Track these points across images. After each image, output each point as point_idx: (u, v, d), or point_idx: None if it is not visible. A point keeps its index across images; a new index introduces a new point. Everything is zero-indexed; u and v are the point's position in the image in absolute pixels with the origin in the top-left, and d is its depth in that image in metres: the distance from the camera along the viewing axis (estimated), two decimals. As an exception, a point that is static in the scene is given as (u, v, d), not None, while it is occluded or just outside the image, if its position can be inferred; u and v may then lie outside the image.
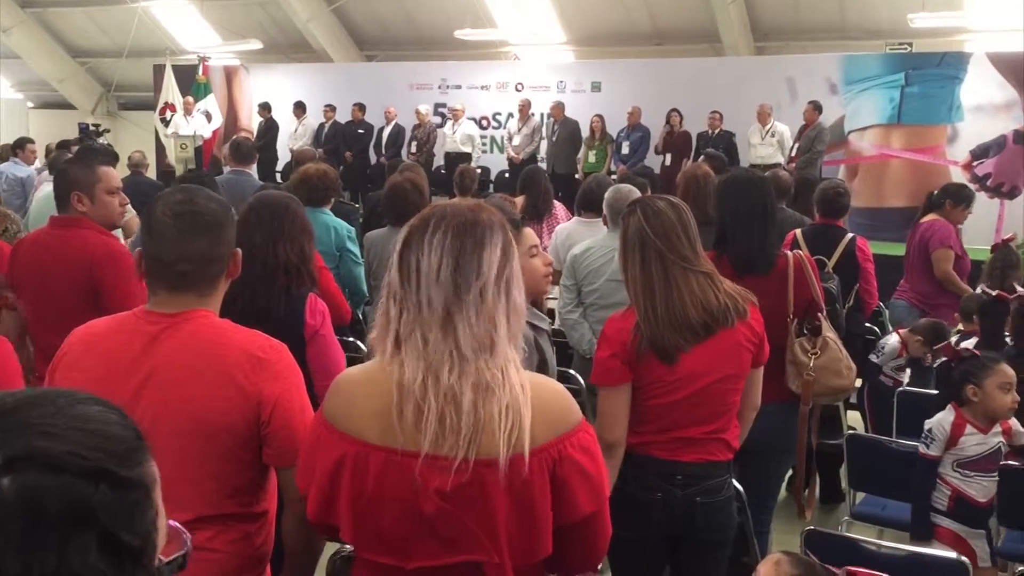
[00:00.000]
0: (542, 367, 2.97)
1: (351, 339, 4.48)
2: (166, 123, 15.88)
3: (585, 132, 13.46)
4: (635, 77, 14.18)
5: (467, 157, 13.18)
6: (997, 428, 3.57)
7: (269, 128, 15.08)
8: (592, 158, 13.27)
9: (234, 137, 9.88)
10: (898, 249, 7.33)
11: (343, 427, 1.72)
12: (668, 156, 12.85)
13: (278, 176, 13.68)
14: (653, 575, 2.95)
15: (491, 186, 13.77)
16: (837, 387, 3.58)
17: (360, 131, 14.51)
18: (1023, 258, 5.85)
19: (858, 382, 4.24)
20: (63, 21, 19.12)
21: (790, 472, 4.07)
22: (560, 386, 1.77)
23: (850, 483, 4.31)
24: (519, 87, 15.08)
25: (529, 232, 3.02)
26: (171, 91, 16.15)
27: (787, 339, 3.49)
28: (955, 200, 6.03)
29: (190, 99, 15.65)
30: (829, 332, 3.54)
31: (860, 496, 4.32)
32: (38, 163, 10.65)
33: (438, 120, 14.75)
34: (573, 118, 13.49)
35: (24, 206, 8.27)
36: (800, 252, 3.67)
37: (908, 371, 5.11)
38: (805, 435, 3.60)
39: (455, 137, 13.98)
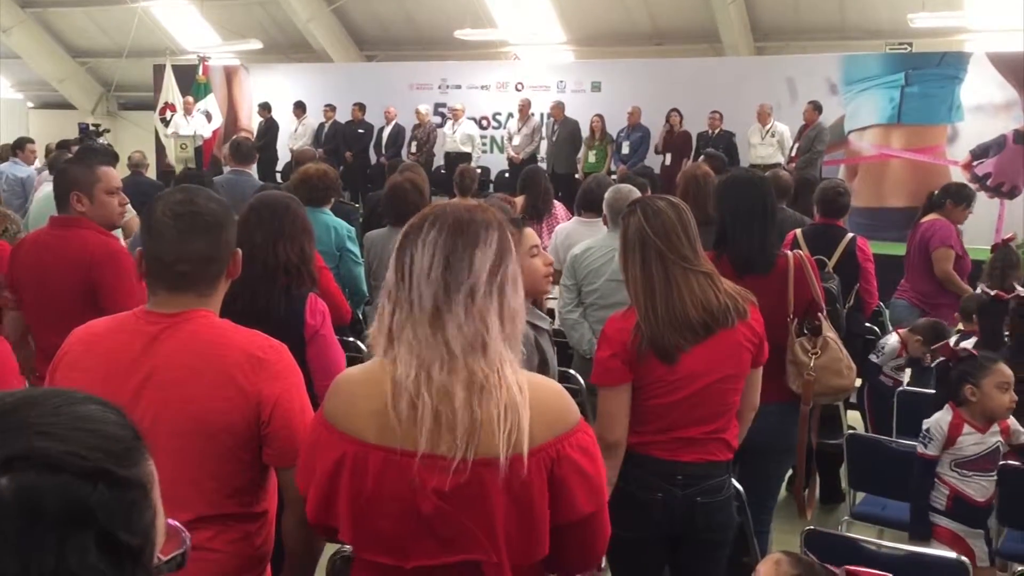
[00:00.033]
0: (543, 367, 2.97)
1: (351, 339, 4.48)
2: (166, 123, 15.89)
3: (585, 132, 13.46)
4: (635, 77, 14.18)
5: (467, 157, 13.18)
6: (995, 428, 3.57)
7: (269, 128, 15.08)
8: (592, 158, 13.27)
9: (234, 137, 9.88)
10: (898, 249, 7.33)
11: (342, 427, 1.72)
12: (668, 156, 12.85)
13: (278, 176, 13.68)
14: (653, 575, 2.95)
15: (491, 186, 13.77)
16: (838, 387, 3.58)
17: (360, 131, 14.51)
18: (1023, 258, 5.85)
19: (858, 382, 4.24)
20: (63, 21, 19.12)
21: (790, 472, 4.07)
22: (559, 386, 1.77)
23: (850, 483, 4.31)
24: (519, 87, 15.08)
25: (530, 232, 3.02)
26: (171, 91, 16.15)
27: (787, 339, 3.49)
28: (956, 200, 6.03)
29: (190, 99, 15.65)
30: (829, 332, 3.54)
31: (860, 496, 4.32)
32: (38, 163, 10.65)
33: (438, 120, 14.75)
34: (573, 118, 13.49)
35: (24, 206, 8.27)
36: (800, 252, 3.67)
37: (908, 371, 5.11)
38: (806, 435, 3.61)
39: (455, 137, 13.99)
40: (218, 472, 2.02)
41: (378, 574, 1.75)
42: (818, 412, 3.68)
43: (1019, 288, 4.61)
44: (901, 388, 4.78)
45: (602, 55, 15.71)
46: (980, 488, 3.56)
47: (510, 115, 14.57)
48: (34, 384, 3.73)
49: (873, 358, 5.05)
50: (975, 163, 12.51)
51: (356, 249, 5.12)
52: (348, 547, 2.07)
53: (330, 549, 2.24)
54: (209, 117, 15.78)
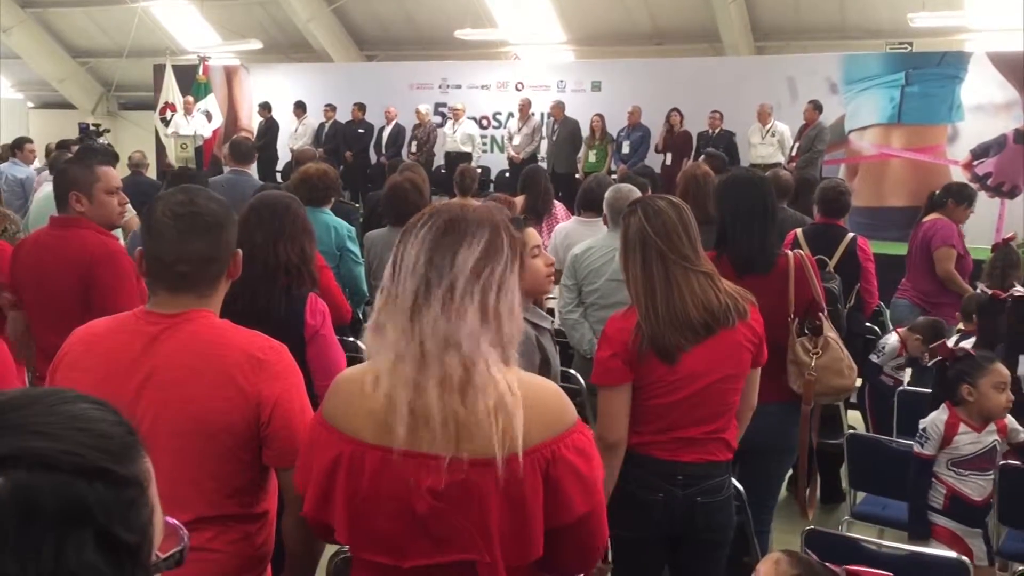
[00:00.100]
0: (544, 366, 2.97)
1: (351, 339, 4.48)
2: (166, 123, 15.89)
3: (585, 132, 13.46)
4: (635, 77, 14.18)
5: (467, 157, 13.18)
6: (992, 427, 3.58)
7: (269, 128, 15.08)
8: (592, 158, 13.27)
9: (233, 137, 9.88)
10: (898, 248, 7.34)
11: (340, 426, 1.72)
12: (668, 156, 12.84)
13: (278, 176, 13.68)
14: (653, 575, 2.95)
15: (491, 186, 13.77)
16: (839, 387, 3.58)
17: (360, 131, 14.51)
18: (1023, 257, 5.85)
19: (858, 382, 4.24)
20: (63, 21, 19.12)
21: (790, 472, 4.07)
22: (554, 386, 1.76)
23: (850, 483, 4.31)
24: (519, 87, 15.08)
25: (532, 232, 3.02)
26: (171, 91, 16.15)
27: (788, 339, 3.49)
28: (957, 199, 6.03)
29: (190, 99, 15.65)
30: (830, 332, 3.54)
31: (860, 496, 4.32)
32: (37, 163, 10.65)
33: (438, 120, 14.75)
34: (573, 117, 13.49)
35: (24, 206, 8.26)
36: (801, 252, 3.67)
37: (908, 370, 5.11)
38: (807, 435, 3.60)
39: (455, 137, 13.99)
40: (218, 472, 2.02)
41: (376, 574, 1.75)
42: (819, 412, 3.68)
43: (1018, 288, 4.60)
44: (901, 388, 4.78)
45: (602, 55, 15.71)
46: (977, 487, 3.56)
47: (510, 115, 14.57)
48: (36, 384, 3.74)
49: (874, 358, 5.05)
50: (975, 163, 12.51)
51: (356, 249, 5.12)
52: (348, 548, 2.07)
53: (330, 550, 2.23)
54: (209, 117, 15.78)
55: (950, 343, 4.29)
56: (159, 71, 16.75)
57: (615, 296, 4.13)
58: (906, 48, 13.46)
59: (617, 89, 14.18)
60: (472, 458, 1.61)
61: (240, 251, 2.16)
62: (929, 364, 4.72)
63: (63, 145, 9.96)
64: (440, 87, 15.61)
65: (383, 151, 14.21)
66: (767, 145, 12.35)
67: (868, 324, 5.42)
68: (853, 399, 5.01)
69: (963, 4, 13.11)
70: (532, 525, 1.65)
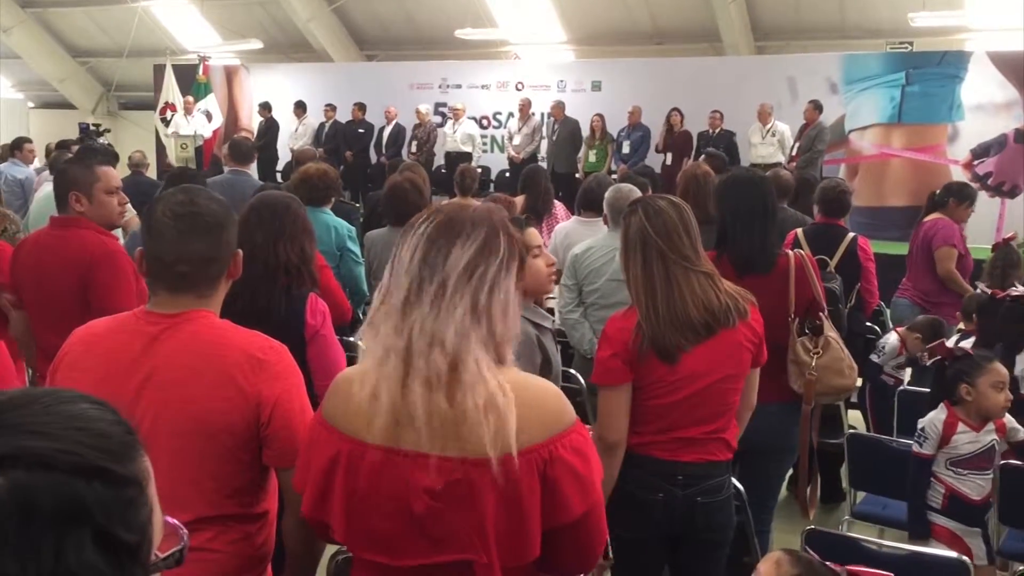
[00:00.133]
0: (546, 366, 2.97)
1: (351, 339, 4.48)
2: (166, 123, 15.89)
3: (585, 131, 13.45)
4: (635, 76, 14.18)
5: (468, 156, 13.18)
6: (990, 426, 3.57)
7: (269, 128, 15.08)
8: (592, 157, 13.27)
9: (233, 137, 9.88)
10: (899, 248, 7.34)
11: (339, 425, 1.73)
12: (669, 155, 12.84)
13: (278, 176, 13.68)
14: (653, 575, 2.94)
15: (491, 186, 13.77)
16: (839, 386, 3.58)
17: (360, 131, 14.51)
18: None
19: (859, 382, 4.23)
20: (63, 21, 19.13)
21: (790, 471, 4.07)
22: (552, 386, 1.75)
23: (851, 482, 4.31)
24: (519, 86, 15.07)
25: (533, 232, 3.02)
26: (171, 91, 16.15)
27: (788, 338, 3.49)
28: (959, 198, 6.04)
29: (190, 99, 15.66)
30: (831, 331, 3.54)
31: (861, 495, 4.32)
32: (37, 163, 10.63)
33: (438, 120, 14.75)
34: (573, 117, 13.49)
35: (24, 207, 8.26)
36: (801, 252, 3.67)
37: (909, 370, 5.11)
38: (808, 434, 3.60)
39: (455, 136, 13.99)
40: (218, 472, 2.01)
41: (374, 573, 1.75)
42: (819, 412, 3.68)
43: (1013, 288, 4.60)
44: (902, 388, 4.78)
45: (602, 54, 15.71)
46: (976, 487, 3.56)
47: (510, 115, 14.57)
48: (37, 384, 3.74)
49: (874, 358, 5.05)
50: (976, 162, 12.51)
51: (356, 249, 5.12)
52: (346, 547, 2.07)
53: (331, 550, 2.23)
54: (209, 117, 15.79)
55: (950, 343, 4.29)
56: (159, 71, 16.76)
57: (615, 296, 4.13)
58: (906, 48, 13.46)
59: (617, 89, 14.17)
60: (466, 457, 1.61)
61: (240, 251, 2.16)
62: (928, 364, 4.72)
63: (63, 145, 9.95)
64: (440, 87, 15.61)
65: (383, 151, 14.21)
66: (767, 145, 12.35)
67: (869, 324, 5.42)
68: (854, 399, 5.00)
69: (963, 4, 13.11)
70: (529, 525, 1.64)
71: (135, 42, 17.60)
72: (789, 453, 3.66)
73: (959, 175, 11.88)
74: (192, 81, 16.20)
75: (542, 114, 14.01)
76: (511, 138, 13.88)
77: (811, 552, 2.21)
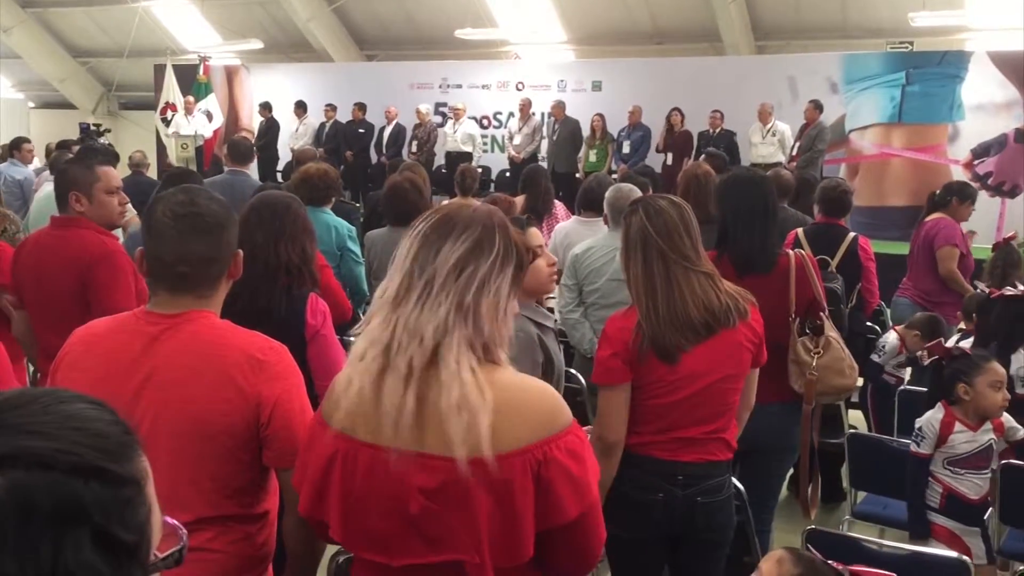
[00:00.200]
0: (547, 366, 2.97)
1: (352, 339, 4.47)
2: (167, 123, 15.89)
3: (586, 131, 13.45)
4: (636, 76, 14.17)
5: (468, 156, 13.18)
6: (987, 426, 3.57)
7: (270, 128, 15.08)
8: (593, 157, 13.26)
9: (232, 137, 9.87)
10: (899, 248, 7.34)
11: (336, 424, 1.73)
12: (669, 155, 12.84)
13: (279, 176, 13.68)
14: (653, 575, 2.94)
15: (492, 185, 13.77)
16: (840, 386, 3.58)
17: (361, 130, 14.51)
18: (1024, 256, 5.85)
19: (860, 381, 4.23)
20: (64, 21, 19.13)
21: (791, 471, 4.07)
22: (548, 387, 1.74)
23: (851, 482, 4.31)
24: (520, 86, 15.07)
25: (534, 232, 3.02)
26: (172, 91, 16.16)
27: (789, 338, 3.49)
28: (961, 197, 6.05)
29: (191, 99, 15.66)
30: (831, 331, 3.54)
31: (861, 495, 4.32)
32: (37, 163, 10.63)
33: (439, 119, 14.75)
34: (574, 117, 13.49)
35: (23, 207, 8.25)
36: (802, 251, 3.67)
37: (910, 369, 5.11)
38: (808, 434, 3.60)
39: (456, 136, 13.98)
40: (218, 473, 2.01)
41: (372, 572, 1.75)
42: (819, 411, 3.68)
43: (1013, 288, 4.60)
44: (902, 387, 4.78)
45: (603, 54, 15.71)
46: (973, 486, 3.56)
47: (511, 114, 14.57)
48: (38, 383, 3.74)
49: (875, 357, 5.05)
50: (976, 162, 12.51)
51: (357, 248, 5.12)
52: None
53: (331, 550, 2.23)
54: (210, 117, 15.79)
55: (951, 342, 4.29)
56: (160, 71, 16.76)
57: (616, 296, 4.13)
58: (907, 47, 13.45)
59: (618, 89, 14.17)
60: (451, 457, 1.60)
61: (241, 252, 2.16)
62: (926, 363, 4.72)
63: (63, 145, 9.94)
64: (440, 87, 15.61)
65: (383, 151, 14.21)
66: (768, 145, 12.34)
67: (869, 324, 5.42)
68: (854, 398, 5.00)
69: (963, 3, 13.11)
70: (522, 526, 1.64)
71: (135, 42, 17.60)
72: (790, 453, 3.66)
73: (959, 175, 11.87)
74: (192, 81, 16.21)
75: (542, 114, 14.01)
76: (511, 138, 13.88)
77: (813, 552, 2.21)
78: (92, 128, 15.35)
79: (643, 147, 13.05)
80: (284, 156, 14.34)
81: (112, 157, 7.35)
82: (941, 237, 5.88)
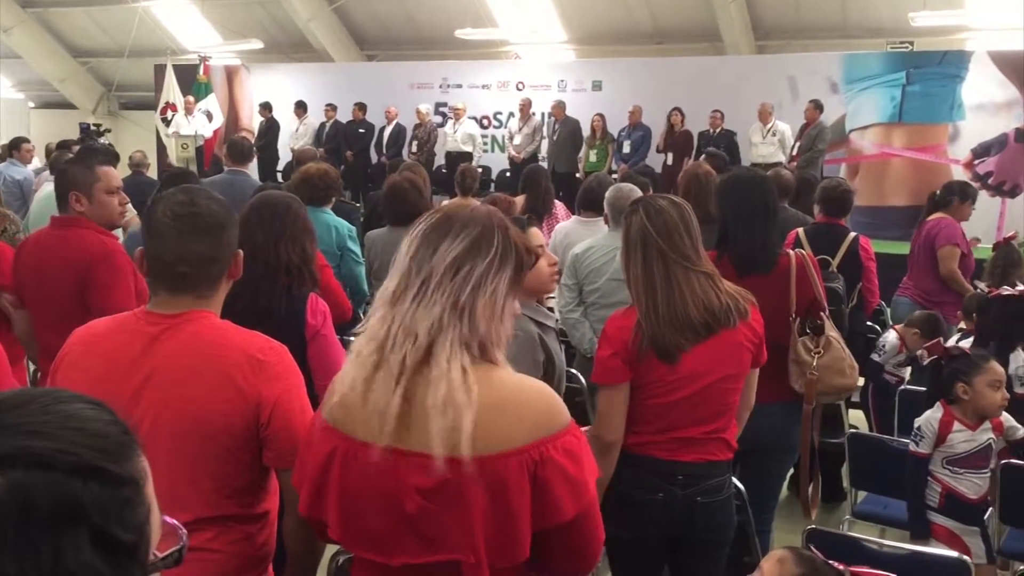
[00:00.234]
0: (548, 365, 2.97)
1: (352, 338, 4.47)
2: (167, 123, 15.90)
3: (586, 131, 13.44)
4: (636, 76, 14.17)
5: (468, 156, 13.18)
6: (986, 425, 3.57)
7: (270, 128, 15.08)
8: (593, 157, 13.26)
9: (231, 137, 9.87)
10: (899, 248, 7.33)
11: (334, 422, 1.73)
12: (670, 155, 12.84)
13: (279, 176, 13.68)
14: (653, 575, 2.94)
15: (492, 185, 13.77)
16: (840, 386, 3.58)
17: (361, 130, 14.51)
18: (1024, 256, 5.85)
19: (860, 381, 4.23)
20: (64, 21, 19.13)
21: (791, 471, 4.07)
22: (546, 388, 1.74)
23: (851, 482, 4.31)
24: (520, 86, 15.07)
25: (535, 232, 3.02)
26: (172, 91, 16.16)
27: (789, 338, 3.49)
28: (962, 197, 6.06)
29: (191, 99, 15.67)
30: (832, 331, 3.54)
31: (862, 495, 4.32)
32: (37, 163, 10.63)
33: (439, 119, 14.75)
34: (574, 117, 13.48)
35: (23, 207, 8.25)
36: (802, 251, 3.67)
37: (910, 368, 5.11)
38: (809, 434, 3.60)
39: (456, 136, 13.98)
40: (217, 473, 2.01)
41: (371, 571, 1.76)
42: (820, 411, 3.68)
43: (1006, 287, 4.60)
44: (902, 387, 4.78)
45: (603, 54, 15.71)
46: (972, 485, 3.56)
47: (511, 114, 14.57)
48: (39, 383, 3.75)
49: (875, 357, 5.05)
50: (976, 162, 12.51)
51: (357, 248, 5.12)
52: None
53: (331, 549, 2.23)
54: (210, 117, 15.79)
55: (951, 342, 4.29)
56: (160, 71, 16.76)
57: (616, 295, 4.13)
58: (907, 47, 13.45)
59: (618, 88, 14.17)
60: (450, 456, 1.60)
61: (241, 252, 2.16)
62: (925, 363, 4.73)
63: (64, 145, 9.94)
64: (441, 87, 15.61)
65: (384, 151, 14.21)
66: (768, 144, 12.34)
67: (869, 323, 5.42)
68: (855, 398, 5.00)
69: (964, 3, 13.11)
70: (518, 526, 1.63)
71: (136, 42, 17.60)
72: (790, 453, 3.66)
73: (960, 175, 11.87)
74: (193, 81, 16.21)
75: (543, 114, 14.01)
76: (512, 138, 13.88)
77: (814, 552, 2.21)
78: (92, 128, 15.35)
79: (643, 147, 13.05)
80: (284, 156, 14.34)
81: (112, 157, 7.35)
82: (942, 236, 5.88)
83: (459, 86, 15.47)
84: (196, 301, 2.06)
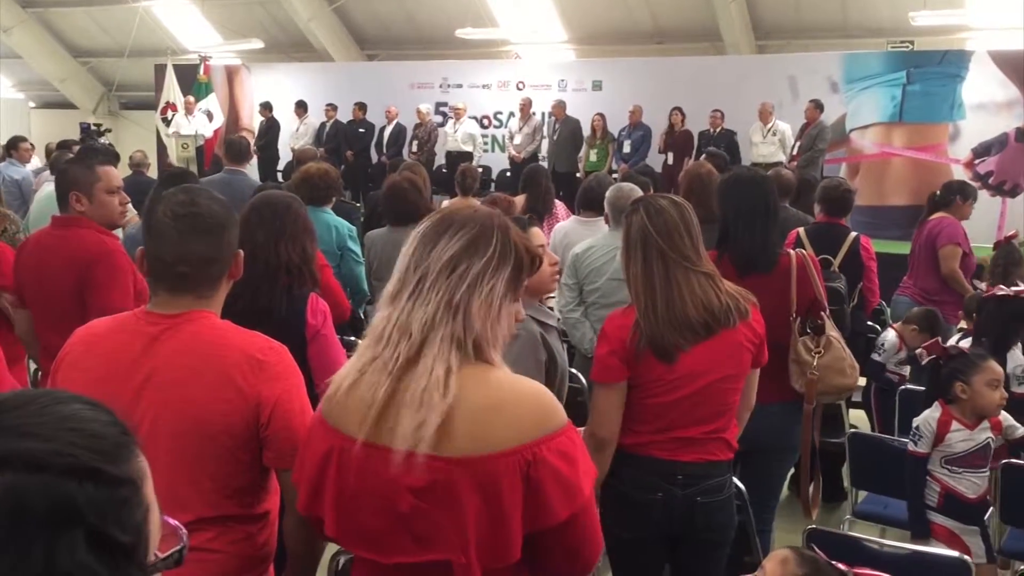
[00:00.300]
0: (551, 365, 2.97)
1: (352, 338, 4.48)
2: (167, 123, 15.90)
3: (586, 131, 13.44)
4: (636, 76, 14.17)
5: (468, 156, 13.18)
6: (985, 424, 3.57)
7: (270, 127, 15.08)
8: (593, 157, 13.26)
9: (228, 136, 9.87)
10: (899, 247, 7.33)
11: (334, 422, 1.73)
12: (670, 155, 12.83)
13: (279, 175, 13.68)
14: (653, 575, 2.94)
15: (492, 185, 13.77)
16: (841, 386, 3.57)
17: (361, 130, 14.51)
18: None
19: (862, 381, 4.23)
20: (64, 21, 19.13)
21: (792, 471, 4.07)
22: (542, 388, 1.73)
23: (852, 482, 4.31)
24: (520, 86, 15.07)
25: (536, 232, 3.02)
26: (172, 91, 16.17)
27: (790, 338, 3.49)
28: (963, 196, 6.06)
29: (191, 99, 15.67)
30: (832, 331, 3.54)
31: (862, 495, 4.32)
32: (38, 162, 10.62)
33: (439, 119, 14.75)
34: (574, 117, 13.48)
35: (22, 207, 8.24)
36: (803, 251, 3.67)
37: (910, 367, 5.11)
38: (810, 434, 3.60)
39: (456, 136, 13.98)
40: (217, 473, 2.01)
41: (369, 569, 1.76)
42: (820, 411, 3.67)
43: (1002, 286, 4.59)
44: (903, 387, 4.77)
45: (603, 54, 15.71)
46: (971, 485, 3.56)
47: (511, 114, 14.57)
48: (40, 383, 3.75)
49: (876, 357, 5.05)
50: (977, 161, 12.50)
51: (357, 248, 5.12)
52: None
53: (331, 549, 2.23)
54: (210, 116, 15.79)
55: (952, 341, 4.29)
56: (160, 71, 16.77)
57: (616, 295, 4.13)
58: (907, 47, 13.45)
59: (618, 88, 14.17)
60: (444, 456, 1.60)
61: (242, 252, 2.16)
62: (924, 363, 4.72)
63: (64, 145, 9.94)
64: (441, 86, 15.61)
65: (384, 151, 14.20)
66: (768, 144, 12.34)
67: (870, 323, 5.41)
68: (856, 398, 5.00)
69: (964, 2, 13.10)
70: (510, 527, 1.63)
71: (136, 42, 17.61)
72: (791, 452, 3.65)
73: (960, 174, 11.87)
74: (193, 81, 16.21)
75: (543, 113, 14.01)
76: (512, 138, 13.88)
77: (816, 551, 2.21)
78: (93, 128, 15.37)
79: (644, 147, 13.05)
80: (284, 156, 14.34)
81: (112, 157, 7.35)
82: (944, 236, 5.87)
83: (459, 86, 15.47)
84: (196, 301, 2.05)
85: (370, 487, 1.66)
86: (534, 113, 13.86)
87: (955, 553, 3.01)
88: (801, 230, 5.10)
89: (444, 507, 1.62)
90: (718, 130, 12.68)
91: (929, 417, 3.60)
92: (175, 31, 18.12)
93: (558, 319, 3.42)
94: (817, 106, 11.91)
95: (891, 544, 3.05)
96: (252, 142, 12.25)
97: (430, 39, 16.88)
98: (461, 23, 15.31)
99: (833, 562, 2.13)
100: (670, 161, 12.63)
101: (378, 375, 1.66)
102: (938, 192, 6.20)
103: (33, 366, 4.08)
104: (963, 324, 5.33)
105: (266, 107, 15.30)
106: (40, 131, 17.53)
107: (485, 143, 14.79)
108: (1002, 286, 4.50)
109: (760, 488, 3.41)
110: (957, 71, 12.63)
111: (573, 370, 4.25)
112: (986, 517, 3.63)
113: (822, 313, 3.52)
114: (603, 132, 13.35)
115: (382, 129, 14.39)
